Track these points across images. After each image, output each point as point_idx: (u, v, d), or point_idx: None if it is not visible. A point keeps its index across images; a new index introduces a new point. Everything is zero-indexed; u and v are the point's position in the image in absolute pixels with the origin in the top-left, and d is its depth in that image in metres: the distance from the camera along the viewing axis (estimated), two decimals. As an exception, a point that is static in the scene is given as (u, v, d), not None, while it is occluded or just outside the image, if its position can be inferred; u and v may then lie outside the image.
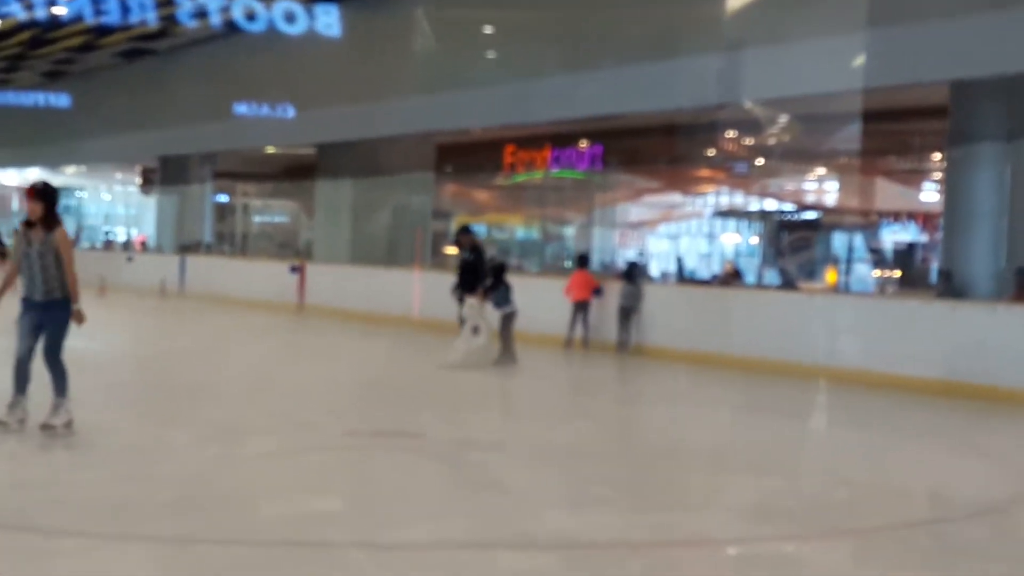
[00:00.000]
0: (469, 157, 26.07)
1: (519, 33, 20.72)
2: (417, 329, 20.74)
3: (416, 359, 17.45)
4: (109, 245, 42.25)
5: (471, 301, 15.22)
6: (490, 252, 32.02)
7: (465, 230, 17.20)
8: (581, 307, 18.14)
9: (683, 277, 26.75)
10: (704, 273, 28.28)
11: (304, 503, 7.44)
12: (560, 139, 21.00)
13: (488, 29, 21.58)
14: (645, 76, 18.20)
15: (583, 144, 20.39)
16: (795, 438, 11.34)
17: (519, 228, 34.42)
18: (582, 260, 19.47)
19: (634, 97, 18.62)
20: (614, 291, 18.05)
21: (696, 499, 8.17)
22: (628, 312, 17.46)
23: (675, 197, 29.84)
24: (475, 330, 14.94)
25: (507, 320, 15.37)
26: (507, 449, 9.73)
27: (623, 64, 18.55)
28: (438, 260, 25.19)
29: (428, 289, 21.30)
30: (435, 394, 13.25)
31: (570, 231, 33.14)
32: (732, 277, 21.68)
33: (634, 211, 32.69)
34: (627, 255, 31.32)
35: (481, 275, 15.69)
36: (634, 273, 18.34)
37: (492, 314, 15.46)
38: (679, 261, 28.85)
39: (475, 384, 14.32)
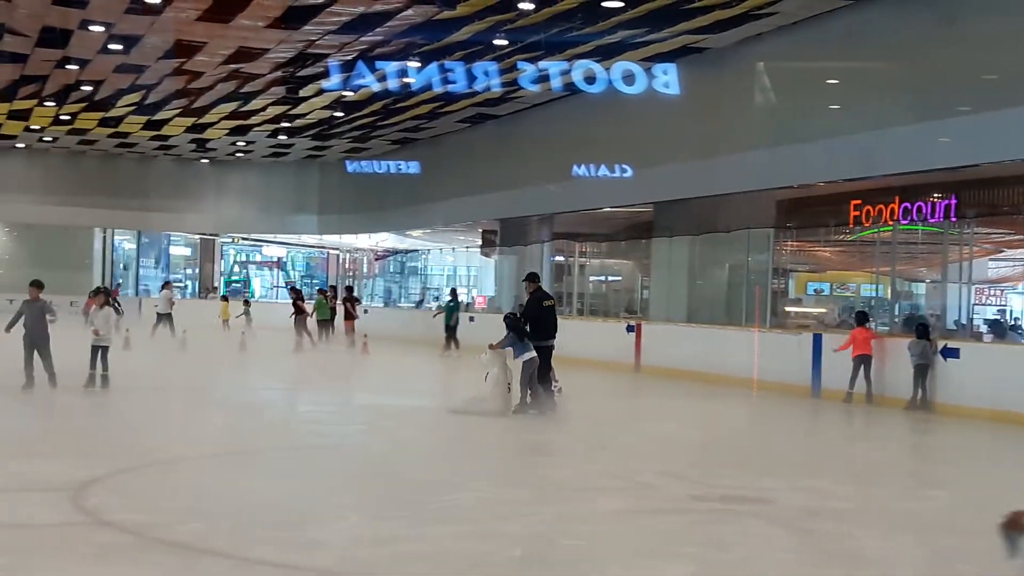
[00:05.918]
0: (810, 212, 25.30)
1: (865, 83, 19.96)
2: (756, 390, 20.23)
3: (753, 421, 17.28)
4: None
5: (487, 349, 15.43)
6: (832, 309, 30.98)
7: (531, 276, 16.99)
8: (863, 361, 18.47)
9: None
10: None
11: (652, 568, 7.32)
12: (909, 191, 19.98)
13: (832, 80, 20.96)
14: (1006, 122, 17.05)
15: (935, 196, 19.36)
16: None
17: (865, 286, 33.09)
18: (861, 317, 19.59)
19: (993, 145, 17.48)
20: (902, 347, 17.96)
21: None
22: (924, 369, 17.49)
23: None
24: (485, 378, 15.13)
25: (525, 367, 15.26)
26: (858, 518, 9.20)
27: (980, 111, 17.50)
28: (778, 320, 24.51)
29: (767, 349, 20.78)
30: (774, 457, 12.91)
31: (921, 289, 31.55)
32: None
33: (992, 267, 30.99)
34: (986, 314, 29.55)
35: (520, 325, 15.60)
36: (926, 330, 18.12)
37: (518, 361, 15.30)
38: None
39: (811, 447, 14.22)
